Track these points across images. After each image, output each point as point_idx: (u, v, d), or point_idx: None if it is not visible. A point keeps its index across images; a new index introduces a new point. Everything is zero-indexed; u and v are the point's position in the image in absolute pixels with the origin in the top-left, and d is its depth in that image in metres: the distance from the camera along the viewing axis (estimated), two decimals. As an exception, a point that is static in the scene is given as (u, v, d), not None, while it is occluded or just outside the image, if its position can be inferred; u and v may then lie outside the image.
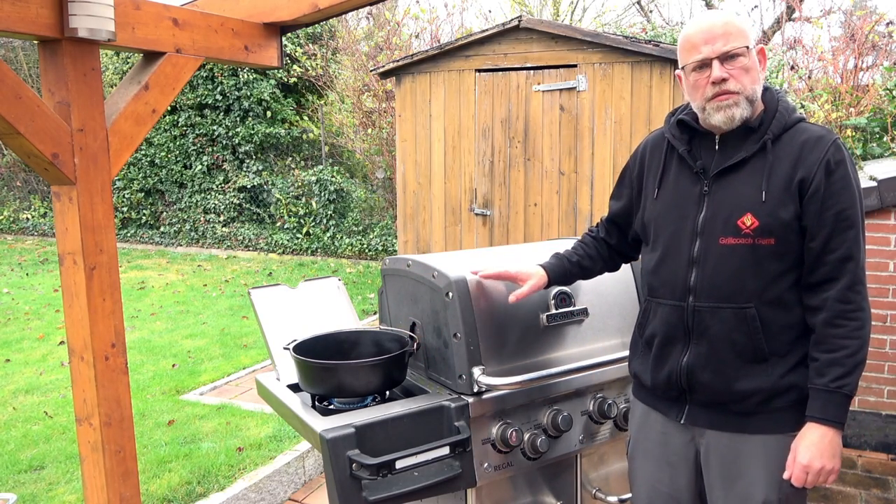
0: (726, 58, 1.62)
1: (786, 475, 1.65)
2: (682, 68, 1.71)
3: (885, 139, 5.42)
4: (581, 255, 2.03)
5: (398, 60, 6.08)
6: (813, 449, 1.60)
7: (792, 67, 7.60)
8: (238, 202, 10.40)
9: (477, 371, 1.94)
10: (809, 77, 7.48)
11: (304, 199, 10.00)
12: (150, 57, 2.35)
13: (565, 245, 2.12)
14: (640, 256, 2.02)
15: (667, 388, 1.80)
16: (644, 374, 1.87)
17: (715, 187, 1.70)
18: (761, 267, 1.64)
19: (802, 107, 6.43)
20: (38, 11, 2.00)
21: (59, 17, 2.04)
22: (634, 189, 1.92)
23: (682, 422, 1.79)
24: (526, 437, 2.02)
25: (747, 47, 1.63)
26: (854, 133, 5.91)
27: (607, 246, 2.07)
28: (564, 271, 2.00)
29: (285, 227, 10.11)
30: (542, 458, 2.06)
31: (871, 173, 3.84)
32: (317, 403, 2.06)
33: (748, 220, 1.64)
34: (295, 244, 9.91)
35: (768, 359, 1.67)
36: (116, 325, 2.27)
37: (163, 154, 10.63)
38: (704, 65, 1.65)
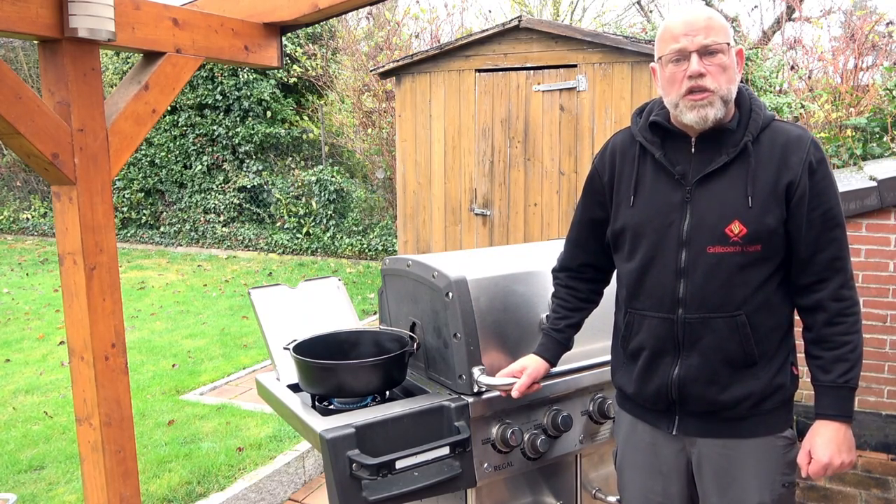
0: (706, 52, 1.58)
1: (803, 473, 1.66)
2: (659, 59, 1.66)
3: (885, 139, 5.42)
4: (564, 315, 1.95)
5: (398, 60, 6.08)
6: (832, 446, 1.62)
7: (792, 67, 7.60)
8: (238, 202, 10.39)
9: (477, 371, 1.94)
10: (809, 77, 7.49)
11: (304, 199, 9.99)
12: (150, 57, 2.36)
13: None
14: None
15: (655, 401, 1.76)
16: (629, 386, 1.82)
17: (697, 194, 1.65)
18: (749, 274, 1.62)
19: (802, 107, 6.43)
20: (38, 11, 2.00)
21: (59, 17, 2.04)
22: (607, 195, 1.81)
23: (673, 433, 1.76)
24: (526, 437, 2.02)
25: (727, 44, 1.60)
26: (854, 133, 5.90)
27: (587, 286, 1.97)
28: (559, 347, 1.95)
29: (285, 227, 10.10)
30: (542, 458, 2.06)
31: (871, 173, 3.84)
32: (317, 403, 2.06)
33: (736, 228, 1.60)
34: (295, 244, 9.91)
35: (758, 362, 1.67)
36: (116, 325, 2.27)
37: (163, 154, 10.63)
38: (683, 57, 1.60)
